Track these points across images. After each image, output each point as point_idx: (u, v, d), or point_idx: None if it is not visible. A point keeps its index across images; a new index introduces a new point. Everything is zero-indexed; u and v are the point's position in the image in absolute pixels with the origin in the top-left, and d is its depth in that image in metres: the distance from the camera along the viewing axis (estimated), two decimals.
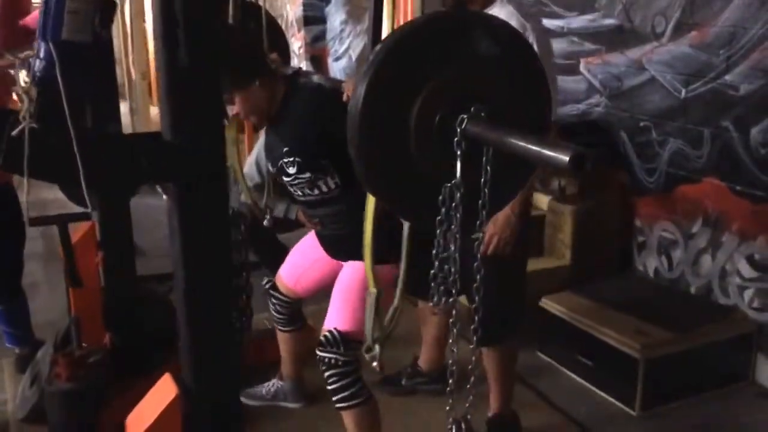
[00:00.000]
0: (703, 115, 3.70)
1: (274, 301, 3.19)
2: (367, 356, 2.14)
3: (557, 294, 3.79)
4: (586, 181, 4.24)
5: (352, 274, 2.68)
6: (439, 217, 1.49)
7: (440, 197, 1.48)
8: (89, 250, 3.01)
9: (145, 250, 4.52)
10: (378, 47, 1.47)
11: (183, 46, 1.53)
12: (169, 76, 1.56)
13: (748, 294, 3.58)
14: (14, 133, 1.48)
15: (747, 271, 3.56)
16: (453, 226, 1.49)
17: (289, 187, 2.79)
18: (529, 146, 1.33)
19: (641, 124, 4.02)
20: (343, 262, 2.78)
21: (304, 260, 3.06)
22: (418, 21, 1.56)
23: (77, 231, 3.28)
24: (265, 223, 3.15)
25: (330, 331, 2.57)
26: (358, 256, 2.67)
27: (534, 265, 4.00)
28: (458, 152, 1.44)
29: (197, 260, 1.65)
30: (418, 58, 1.46)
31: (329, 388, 2.58)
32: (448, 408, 1.58)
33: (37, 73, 1.93)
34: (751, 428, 3.25)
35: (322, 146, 2.60)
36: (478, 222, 1.51)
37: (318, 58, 7.55)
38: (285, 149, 2.66)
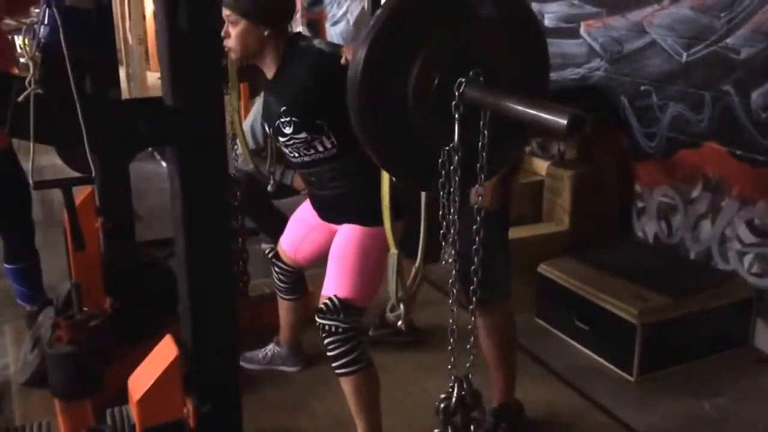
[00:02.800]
0: (703, 79, 3.68)
1: (276, 270, 3.20)
2: (391, 315, 2.16)
3: (555, 259, 3.80)
4: (585, 146, 4.23)
5: (347, 239, 2.68)
6: (441, 180, 1.50)
7: (440, 160, 1.49)
8: (88, 215, 3.01)
9: (143, 216, 4.54)
10: (378, 12, 1.47)
11: (183, 9, 1.53)
12: (168, 41, 1.56)
13: (747, 259, 3.59)
14: (20, 98, 1.49)
15: (747, 236, 3.57)
16: (452, 189, 1.51)
17: (284, 148, 2.77)
18: (527, 110, 1.34)
19: (642, 88, 4.00)
20: (336, 226, 2.78)
21: (302, 229, 3.06)
22: None
23: (76, 197, 3.28)
24: (269, 188, 3.15)
25: (330, 299, 2.58)
26: (352, 217, 2.69)
27: (532, 230, 4.03)
28: (456, 116, 1.45)
29: (198, 224, 1.66)
30: (417, 23, 1.46)
31: (329, 354, 2.59)
32: (450, 366, 1.60)
33: (42, 39, 1.93)
34: (750, 393, 3.27)
35: (319, 107, 2.59)
36: (476, 185, 1.51)
37: (315, 23, 7.51)
38: (282, 109, 2.65)
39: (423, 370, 3.31)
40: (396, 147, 1.54)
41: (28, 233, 3.69)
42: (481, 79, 1.45)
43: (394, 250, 2.15)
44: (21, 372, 3.24)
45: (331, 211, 2.83)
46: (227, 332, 1.79)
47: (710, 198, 3.73)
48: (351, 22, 6.86)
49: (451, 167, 1.49)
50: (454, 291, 1.59)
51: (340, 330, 2.55)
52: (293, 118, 2.63)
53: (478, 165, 1.49)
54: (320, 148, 2.67)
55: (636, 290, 3.45)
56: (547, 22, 4.49)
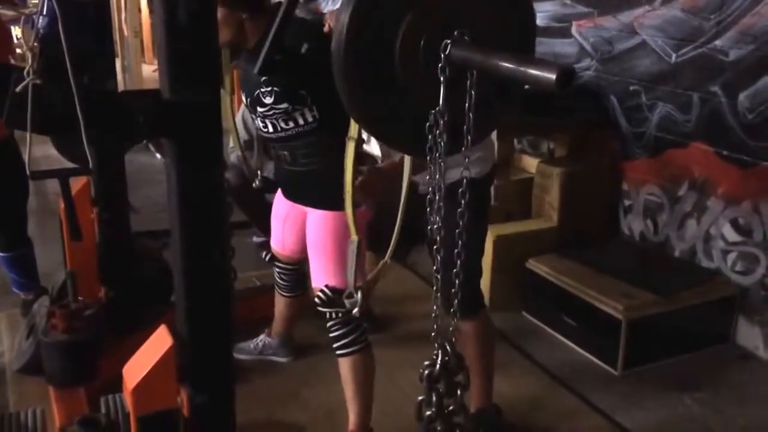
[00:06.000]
0: (692, 80, 3.73)
1: (277, 270, 3.23)
2: (347, 302, 2.18)
3: (544, 256, 3.86)
4: (575, 145, 4.29)
5: (320, 227, 2.70)
6: (428, 145, 1.48)
7: (427, 124, 1.46)
8: (84, 205, 3.04)
9: (138, 207, 4.56)
10: None
11: (181, 2, 1.54)
12: (166, 33, 1.57)
13: (731, 258, 3.64)
14: (18, 89, 1.51)
15: (731, 234, 3.63)
16: (439, 153, 1.47)
17: (261, 121, 2.70)
18: (515, 67, 1.32)
19: (631, 88, 4.05)
20: (305, 209, 2.78)
21: (279, 222, 3.07)
22: None
23: (72, 187, 3.31)
24: (254, 185, 3.13)
25: (322, 291, 2.63)
26: (319, 201, 2.67)
27: (521, 226, 4.08)
28: (442, 78, 1.42)
29: (194, 215, 1.68)
30: None
31: (331, 335, 2.67)
32: (433, 334, 1.58)
33: (41, 30, 1.95)
34: (731, 388, 3.34)
35: (302, 77, 2.54)
36: (462, 148, 1.49)
37: None
38: (263, 78, 2.57)
39: (411, 363, 3.33)
40: (382, 111, 1.50)
41: (23, 221, 3.71)
42: (467, 38, 1.42)
43: (354, 237, 2.17)
44: (16, 359, 3.26)
45: (298, 190, 2.81)
46: (222, 323, 1.81)
47: (696, 197, 3.78)
48: None
49: (438, 131, 1.46)
50: (438, 257, 1.55)
51: (341, 314, 2.62)
52: (274, 88, 2.57)
53: (465, 127, 1.47)
54: (301, 121, 2.61)
55: (622, 287, 3.51)
56: (539, 21, 4.53)
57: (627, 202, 4.18)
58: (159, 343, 1.77)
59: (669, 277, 3.67)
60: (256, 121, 2.76)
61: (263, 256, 3.25)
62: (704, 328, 3.63)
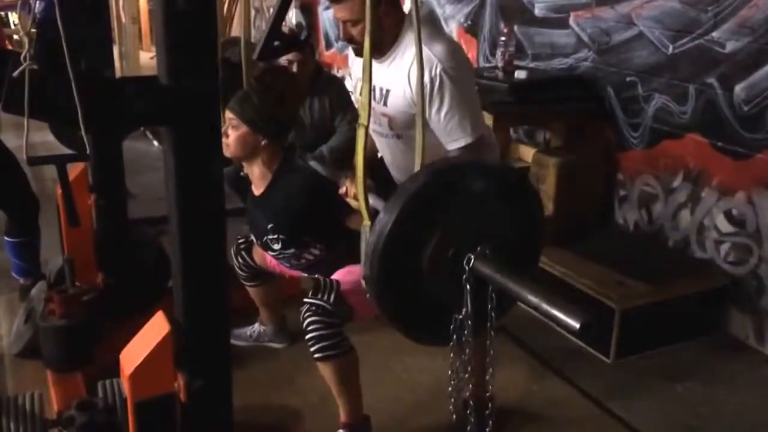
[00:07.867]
0: (688, 72, 3.74)
1: (240, 261, 3.20)
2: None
3: None
4: (571, 135, 4.30)
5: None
6: (452, 342, 1.64)
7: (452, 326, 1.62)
8: (81, 192, 3.05)
9: (135, 194, 4.58)
10: (401, 192, 1.58)
11: None
12: (165, 19, 1.57)
13: (723, 248, 3.67)
14: (15, 74, 1.52)
15: (724, 225, 3.65)
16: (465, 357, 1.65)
17: (275, 259, 2.97)
18: (539, 302, 1.43)
19: (628, 79, 4.06)
20: None
21: None
22: (428, 173, 1.64)
23: (69, 173, 3.31)
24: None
25: (330, 279, 2.57)
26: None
27: None
28: (467, 287, 1.54)
29: (192, 202, 1.69)
30: (434, 204, 1.57)
31: (307, 336, 2.51)
32: (452, 400, 1.73)
33: (38, 15, 1.95)
34: (722, 377, 3.36)
35: (306, 227, 2.74)
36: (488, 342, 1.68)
37: (308, 7, 7.51)
38: (270, 226, 2.77)
39: (404, 349, 3.36)
40: (409, 310, 1.65)
41: (29, 208, 3.66)
42: (488, 252, 1.54)
43: (367, 222, 2.18)
44: (14, 343, 3.28)
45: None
46: (219, 309, 1.83)
47: (690, 188, 3.80)
48: None
49: (464, 332, 1.62)
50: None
51: (325, 312, 2.49)
52: (280, 236, 2.76)
53: (488, 323, 1.63)
54: (310, 257, 2.84)
55: (616, 276, 3.53)
56: (537, 12, 4.55)
57: (622, 192, 4.20)
58: (156, 328, 1.79)
59: (662, 267, 3.70)
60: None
61: (237, 239, 3.21)
62: (696, 318, 3.66)
